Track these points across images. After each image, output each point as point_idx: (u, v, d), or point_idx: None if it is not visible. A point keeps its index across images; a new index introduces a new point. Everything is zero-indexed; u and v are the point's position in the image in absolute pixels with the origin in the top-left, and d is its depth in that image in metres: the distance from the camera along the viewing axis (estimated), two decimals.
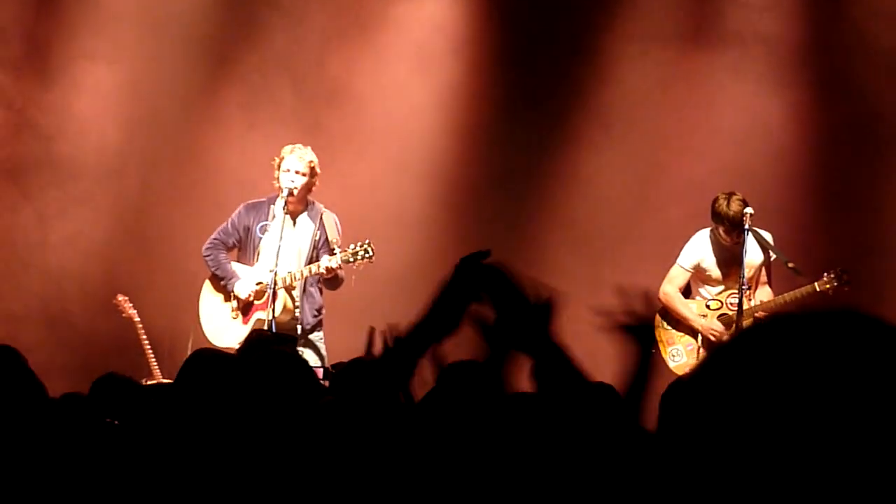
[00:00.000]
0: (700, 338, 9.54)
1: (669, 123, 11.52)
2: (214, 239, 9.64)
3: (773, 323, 1.37)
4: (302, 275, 9.37)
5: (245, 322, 9.48)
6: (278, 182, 9.49)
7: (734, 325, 9.33)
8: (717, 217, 9.26)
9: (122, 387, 5.08)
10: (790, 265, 9.35)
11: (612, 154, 11.46)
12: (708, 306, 9.59)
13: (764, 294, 9.49)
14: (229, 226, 9.63)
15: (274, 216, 9.49)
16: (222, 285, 9.59)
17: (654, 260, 10.10)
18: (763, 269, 9.50)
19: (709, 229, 9.45)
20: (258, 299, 9.46)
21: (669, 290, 9.59)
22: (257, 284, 9.43)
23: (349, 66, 11.55)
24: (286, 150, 9.56)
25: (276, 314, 9.35)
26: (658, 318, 9.65)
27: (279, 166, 9.49)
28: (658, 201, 11.35)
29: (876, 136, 11.24)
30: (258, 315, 9.47)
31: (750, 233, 9.24)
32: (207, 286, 9.71)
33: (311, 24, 11.51)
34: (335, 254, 9.33)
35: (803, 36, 11.46)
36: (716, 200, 9.28)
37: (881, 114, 11.20)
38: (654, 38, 11.47)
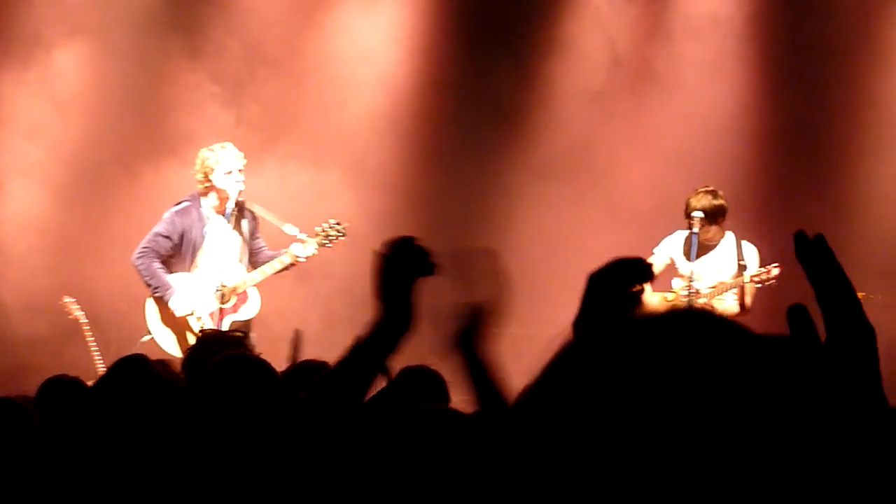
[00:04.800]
0: None
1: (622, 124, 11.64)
2: (144, 247, 9.38)
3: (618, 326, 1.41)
4: (273, 269, 9.33)
5: (218, 327, 9.22)
6: (210, 184, 9.35)
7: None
8: (686, 209, 9.42)
9: (70, 389, 5.08)
10: (741, 263, 9.49)
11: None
12: (665, 298, 9.71)
13: (726, 304, 9.54)
14: (161, 233, 9.38)
15: (208, 220, 9.41)
16: (156, 295, 9.37)
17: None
18: (746, 280, 9.53)
19: (695, 228, 9.48)
20: (224, 303, 9.37)
21: None
22: (218, 292, 9.35)
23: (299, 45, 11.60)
24: (217, 150, 9.40)
25: (253, 316, 9.38)
26: None
27: (212, 169, 9.31)
28: (606, 202, 11.46)
29: (833, 123, 11.39)
30: (231, 318, 9.39)
31: (735, 244, 9.51)
32: (152, 301, 9.49)
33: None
34: (304, 242, 9.30)
35: (756, 21, 11.58)
36: (689, 197, 9.45)
37: (837, 100, 11.36)
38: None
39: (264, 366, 4.23)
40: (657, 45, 11.74)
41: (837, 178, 11.35)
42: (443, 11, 11.78)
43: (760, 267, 9.43)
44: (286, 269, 9.45)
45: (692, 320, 1.36)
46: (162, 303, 9.42)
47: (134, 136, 11.24)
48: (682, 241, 9.56)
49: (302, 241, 9.33)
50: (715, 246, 9.60)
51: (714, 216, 9.41)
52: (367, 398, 3.52)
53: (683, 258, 9.52)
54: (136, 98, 11.29)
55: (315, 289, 11.01)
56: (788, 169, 11.43)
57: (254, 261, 9.48)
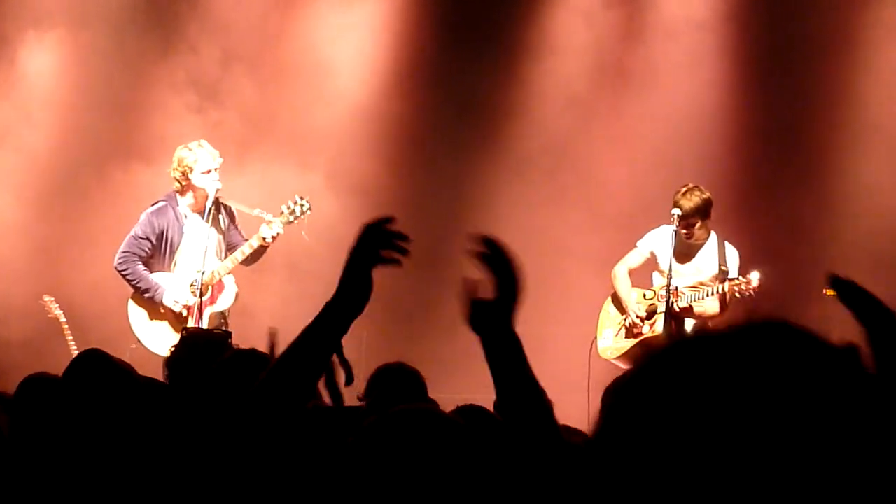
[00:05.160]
0: (627, 324, 9.68)
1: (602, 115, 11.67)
2: (125, 251, 9.39)
3: (704, 335, 1.44)
4: (244, 254, 9.33)
5: (198, 321, 9.26)
6: (188, 183, 9.35)
7: (657, 316, 9.48)
8: (673, 206, 9.38)
9: (49, 387, 5.07)
10: (722, 267, 9.48)
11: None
12: (644, 295, 9.71)
13: (706, 304, 9.50)
14: (141, 235, 9.39)
15: (185, 218, 9.41)
16: (146, 298, 9.38)
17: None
18: (717, 283, 9.50)
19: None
20: (202, 296, 9.31)
21: (619, 269, 9.75)
22: (195, 287, 9.32)
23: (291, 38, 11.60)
24: (195, 149, 9.39)
25: (230, 305, 9.38)
26: (608, 300, 9.89)
27: (191, 168, 9.30)
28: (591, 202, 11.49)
29: (811, 120, 11.44)
30: (210, 310, 9.39)
31: (717, 244, 9.50)
32: (134, 306, 9.48)
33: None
34: (270, 222, 9.29)
35: (734, 21, 11.62)
36: (677, 190, 9.43)
37: (815, 97, 11.41)
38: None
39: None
40: (636, 46, 11.76)
41: (817, 175, 11.38)
42: (422, 11, 11.79)
43: (739, 275, 9.39)
44: (258, 252, 9.42)
45: (777, 333, 1.39)
46: (145, 305, 9.43)
47: (108, 138, 11.26)
48: (667, 236, 9.46)
49: (268, 223, 9.32)
50: (701, 246, 9.57)
51: (706, 212, 9.38)
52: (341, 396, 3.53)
53: (666, 253, 9.44)
54: (111, 99, 11.30)
55: (302, 287, 11.00)
56: (768, 167, 11.46)
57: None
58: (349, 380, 4.62)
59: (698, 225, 9.43)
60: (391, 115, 11.69)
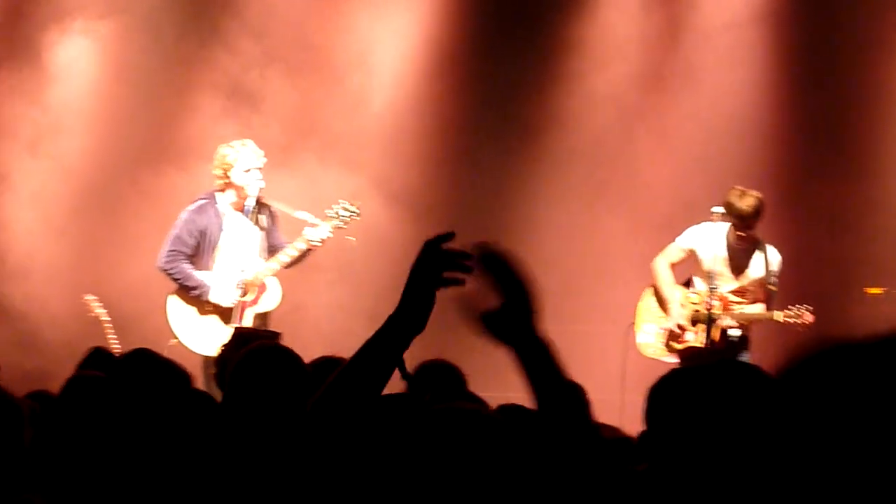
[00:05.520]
0: (668, 327, 9.59)
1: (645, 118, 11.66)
2: (170, 251, 9.38)
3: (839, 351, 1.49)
4: (290, 257, 9.34)
5: (240, 321, 9.31)
6: (228, 181, 9.36)
7: (701, 326, 9.34)
8: (728, 210, 9.17)
9: (97, 386, 5.10)
10: (771, 287, 9.36)
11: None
12: (689, 298, 9.59)
13: (753, 309, 9.43)
14: (184, 234, 9.38)
15: (225, 216, 9.40)
16: (194, 295, 9.38)
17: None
18: (763, 286, 9.43)
19: (728, 225, 9.30)
20: (245, 297, 9.38)
21: (660, 263, 9.59)
22: (239, 287, 9.38)
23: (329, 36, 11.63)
24: (237, 147, 9.40)
25: (275, 306, 9.40)
26: (649, 291, 9.74)
27: (231, 165, 9.32)
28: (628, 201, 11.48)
29: (855, 119, 11.40)
30: (253, 310, 9.41)
31: (764, 248, 9.34)
32: (177, 301, 9.49)
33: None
34: (316, 226, 9.29)
35: (776, 19, 11.58)
36: (728, 194, 9.20)
37: (858, 96, 11.36)
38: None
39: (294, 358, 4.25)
40: (677, 46, 11.74)
41: (859, 172, 11.32)
42: (463, 12, 11.79)
43: (793, 306, 9.21)
44: (303, 255, 9.43)
45: None
46: (190, 302, 9.45)
47: (143, 140, 11.31)
48: (710, 235, 9.31)
49: (314, 226, 9.32)
50: (745, 248, 9.41)
51: (759, 215, 9.19)
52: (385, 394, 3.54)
53: (709, 253, 9.32)
54: (146, 102, 11.33)
55: (348, 289, 11.04)
56: (810, 165, 11.41)
57: (273, 257, 9.49)
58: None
59: (755, 229, 9.27)
60: (432, 117, 11.71)
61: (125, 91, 11.35)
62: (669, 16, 11.72)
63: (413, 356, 6.23)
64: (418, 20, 11.76)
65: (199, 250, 9.42)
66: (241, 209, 9.40)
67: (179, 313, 9.47)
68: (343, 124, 11.56)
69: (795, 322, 9.14)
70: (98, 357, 6.26)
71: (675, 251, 9.60)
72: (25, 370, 9.64)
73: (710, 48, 11.59)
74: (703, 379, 2.77)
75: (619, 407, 8.91)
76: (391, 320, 2.95)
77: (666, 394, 2.81)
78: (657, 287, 9.63)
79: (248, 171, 9.35)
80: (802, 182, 11.35)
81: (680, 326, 9.48)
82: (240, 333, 6.57)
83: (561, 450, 2.64)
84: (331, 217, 9.38)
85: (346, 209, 9.39)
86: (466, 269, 2.87)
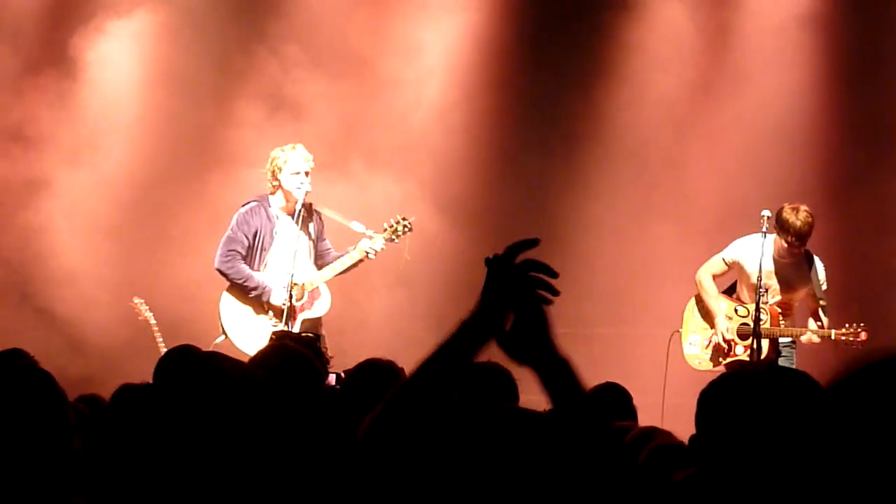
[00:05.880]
0: (715, 340, 9.54)
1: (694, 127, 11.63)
2: (230, 251, 9.45)
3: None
4: (344, 265, 9.42)
5: (291, 325, 9.36)
6: (278, 184, 9.44)
7: (751, 340, 9.25)
8: (782, 226, 9.10)
9: (146, 395, 5.12)
10: (821, 302, 9.29)
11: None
12: (736, 311, 9.52)
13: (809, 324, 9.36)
14: (239, 234, 9.47)
15: (277, 219, 9.48)
16: (254, 296, 9.45)
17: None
18: (811, 297, 9.39)
19: (775, 236, 9.23)
20: (297, 301, 9.43)
21: (703, 275, 9.56)
22: (293, 288, 9.42)
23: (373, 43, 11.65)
24: (287, 150, 9.47)
25: (325, 312, 9.45)
26: (693, 300, 9.71)
27: (280, 169, 9.40)
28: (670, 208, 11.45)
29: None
30: (304, 315, 9.47)
31: (811, 260, 9.27)
32: (230, 299, 9.54)
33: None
34: (372, 238, 9.35)
35: (823, 20, 11.52)
36: (781, 210, 9.11)
37: None
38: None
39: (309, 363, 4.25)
40: (724, 50, 11.69)
41: None
42: (508, 18, 11.78)
43: (849, 324, 9.15)
44: (356, 265, 9.51)
45: None
46: (246, 302, 9.51)
47: (188, 147, 11.35)
48: (758, 247, 9.21)
49: (370, 237, 9.38)
50: (793, 260, 9.35)
51: (811, 231, 9.11)
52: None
53: (755, 265, 9.21)
54: (195, 103, 11.36)
55: (402, 291, 11.08)
56: (860, 168, 11.34)
57: (321, 263, 9.57)
58: None
59: (806, 244, 9.21)
60: (479, 122, 11.71)
61: (168, 94, 11.41)
62: (718, 20, 11.68)
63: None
64: (465, 24, 11.76)
65: (250, 251, 9.49)
66: (291, 212, 9.45)
67: (233, 311, 9.54)
68: (389, 131, 11.58)
69: (851, 340, 9.08)
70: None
71: (718, 263, 9.56)
72: (74, 374, 9.70)
73: (759, 52, 11.54)
74: (754, 384, 2.76)
75: (662, 411, 8.90)
76: (466, 325, 2.76)
77: (717, 398, 2.80)
78: (702, 298, 9.58)
79: (296, 174, 9.41)
80: (851, 185, 11.30)
81: (727, 340, 9.43)
82: (280, 337, 6.58)
83: (581, 461, 2.62)
84: (385, 229, 9.44)
85: (400, 224, 9.45)
86: (553, 290, 2.72)
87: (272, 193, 9.53)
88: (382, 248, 9.42)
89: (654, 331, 10.37)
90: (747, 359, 9.28)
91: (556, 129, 11.73)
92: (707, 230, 10.54)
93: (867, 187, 11.16)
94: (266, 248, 9.48)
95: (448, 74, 11.71)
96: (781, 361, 9.25)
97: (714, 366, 9.49)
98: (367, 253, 9.39)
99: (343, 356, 5.51)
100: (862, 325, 9.12)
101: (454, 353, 2.78)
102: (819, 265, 9.36)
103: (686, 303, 9.77)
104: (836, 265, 9.58)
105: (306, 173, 9.43)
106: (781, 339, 9.35)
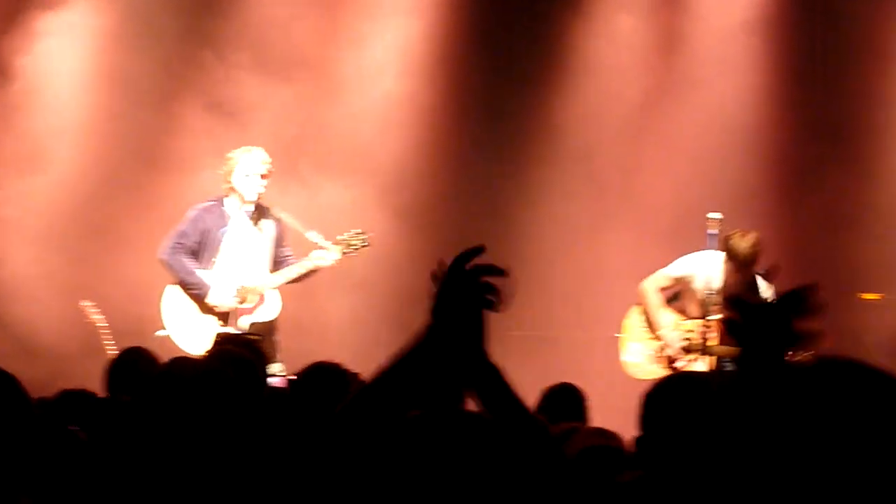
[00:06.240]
0: (659, 353, 9.57)
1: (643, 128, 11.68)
2: (177, 243, 9.44)
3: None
4: (296, 274, 9.37)
5: (234, 326, 9.35)
6: (230, 185, 9.44)
7: (695, 355, 9.28)
8: (729, 253, 9.11)
9: (87, 399, 5.11)
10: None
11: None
12: (681, 325, 9.52)
13: None
14: (188, 229, 9.45)
15: (230, 219, 9.45)
16: (192, 293, 9.44)
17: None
18: None
19: (721, 254, 9.20)
20: (242, 304, 9.41)
21: (649, 288, 9.56)
22: (237, 291, 9.40)
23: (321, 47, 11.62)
24: (240, 153, 9.47)
25: (272, 319, 9.40)
26: (634, 310, 9.72)
27: (233, 170, 9.41)
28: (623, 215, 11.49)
29: (854, 124, 11.41)
30: (245, 319, 9.42)
31: (756, 277, 9.16)
32: (173, 292, 9.53)
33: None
34: (326, 248, 9.32)
35: (774, 25, 11.59)
36: (730, 236, 9.11)
37: (857, 101, 11.38)
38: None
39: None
40: (679, 53, 11.74)
41: (860, 179, 11.33)
42: (461, 22, 11.78)
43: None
44: (307, 275, 9.47)
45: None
46: (183, 300, 9.48)
47: (142, 147, 11.28)
48: (708, 263, 9.21)
49: (325, 248, 9.36)
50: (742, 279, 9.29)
51: (759, 257, 9.10)
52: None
53: (704, 281, 9.22)
54: (143, 106, 11.29)
55: (353, 296, 11.08)
56: (812, 171, 11.41)
57: (278, 269, 9.51)
58: None
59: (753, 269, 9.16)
60: (431, 127, 11.70)
61: (111, 96, 11.30)
62: (668, 25, 11.72)
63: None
64: (416, 27, 11.73)
65: (201, 249, 9.46)
66: (248, 214, 9.46)
67: (175, 307, 9.52)
68: (339, 135, 11.54)
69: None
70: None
71: (664, 278, 9.56)
72: (25, 379, 9.61)
73: (709, 56, 11.59)
74: (698, 385, 2.78)
75: (615, 413, 8.92)
76: (424, 340, 2.68)
77: (661, 399, 2.82)
78: (647, 309, 9.61)
79: (247, 176, 9.38)
80: (802, 186, 11.36)
81: (669, 349, 9.45)
82: (223, 339, 6.57)
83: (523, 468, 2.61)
84: (341, 242, 9.40)
85: (358, 238, 9.42)
86: (500, 291, 2.64)
87: (227, 195, 9.51)
88: (336, 261, 9.40)
89: (607, 334, 10.41)
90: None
91: (509, 133, 11.74)
92: (659, 234, 10.58)
93: (819, 190, 11.23)
94: (215, 248, 9.43)
95: (398, 77, 11.67)
96: None
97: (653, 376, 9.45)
98: (320, 264, 9.36)
99: (301, 359, 5.51)
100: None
101: (407, 369, 2.74)
102: (764, 285, 9.38)
103: (624, 314, 9.77)
104: (788, 265, 9.63)
105: (261, 175, 9.42)
106: (725, 363, 9.36)
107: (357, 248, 9.42)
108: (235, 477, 3.61)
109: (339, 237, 9.43)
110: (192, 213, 9.52)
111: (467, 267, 2.63)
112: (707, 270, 9.23)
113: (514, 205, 11.69)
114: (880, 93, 11.39)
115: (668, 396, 2.80)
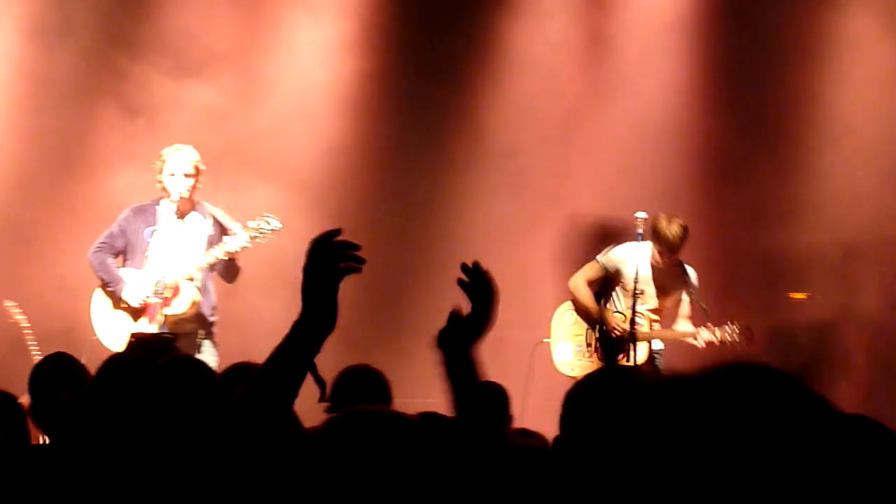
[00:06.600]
0: (594, 339, 9.61)
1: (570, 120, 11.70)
2: (102, 243, 9.44)
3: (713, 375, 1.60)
4: (207, 263, 9.29)
5: (151, 322, 9.27)
6: (162, 185, 9.39)
7: (627, 344, 9.29)
8: (655, 237, 9.24)
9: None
10: (703, 306, 9.41)
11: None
12: (613, 315, 9.53)
13: (680, 327, 9.49)
14: (116, 230, 9.45)
15: (161, 218, 9.38)
16: (108, 290, 9.41)
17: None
18: (683, 302, 9.50)
19: (647, 244, 9.33)
20: (158, 298, 9.35)
21: (579, 281, 9.60)
22: (154, 286, 9.33)
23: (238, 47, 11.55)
24: (168, 151, 9.43)
25: (184, 310, 9.33)
26: (562, 308, 9.75)
27: (161, 170, 9.38)
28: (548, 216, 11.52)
29: (781, 123, 11.51)
30: (166, 311, 9.28)
31: (681, 265, 9.37)
32: (99, 293, 9.51)
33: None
34: (236, 234, 9.25)
35: (700, 24, 11.66)
36: (657, 219, 9.24)
37: (783, 100, 11.47)
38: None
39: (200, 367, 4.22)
40: (605, 50, 11.79)
41: (786, 177, 11.42)
42: (384, 20, 11.75)
43: (731, 323, 9.26)
44: (229, 266, 9.39)
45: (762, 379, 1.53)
46: (108, 300, 9.44)
47: (60, 149, 11.18)
48: (635, 254, 9.32)
49: (233, 234, 9.32)
50: (671, 269, 9.44)
51: (685, 241, 9.24)
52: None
53: (632, 273, 9.29)
54: (60, 107, 11.18)
55: (286, 294, 11.02)
56: (736, 169, 11.50)
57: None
58: (323, 395, 4.59)
59: (679, 254, 9.32)
60: (356, 131, 11.68)
61: (32, 96, 11.18)
62: (599, 23, 11.76)
63: (337, 361, 6.26)
64: (341, 29, 11.68)
65: (131, 249, 9.44)
66: (181, 213, 9.41)
67: (99, 307, 9.50)
68: (261, 138, 11.47)
69: (733, 340, 9.21)
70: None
71: (594, 268, 9.63)
72: None
73: (640, 54, 11.65)
74: (616, 383, 2.78)
75: (536, 413, 8.97)
76: (297, 324, 2.92)
77: (578, 398, 2.82)
78: (576, 300, 9.65)
79: (172, 175, 9.34)
80: (731, 183, 11.44)
81: (616, 328, 9.47)
82: (138, 339, 6.52)
83: (473, 458, 2.65)
84: (251, 228, 9.34)
85: (267, 221, 9.35)
86: (358, 258, 2.91)
87: (163, 195, 9.47)
88: (247, 246, 9.29)
89: (534, 334, 10.44)
90: (626, 363, 9.35)
91: (434, 134, 11.71)
92: (585, 234, 10.60)
93: (747, 184, 11.32)
94: (145, 247, 9.38)
95: (323, 79, 11.64)
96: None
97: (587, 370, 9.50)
98: (228, 250, 9.26)
99: (238, 357, 5.50)
100: (745, 326, 9.25)
101: (294, 349, 2.91)
102: (691, 272, 9.48)
103: (552, 315, 9.81)
104: (716, 262, 9.71)
105: (185, 175, 9.35)
106: (654, 346, 9.47)
107: (266, 234, 9.33)
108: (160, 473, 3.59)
109: (249, 223, 9.37)
110: (123, 213, 9.52)
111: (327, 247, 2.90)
112: (635, 260, 9.30)
113: (437, 205, 11.69)
114: (809, 90, 11.48)
115: (585, 396, 2.80)
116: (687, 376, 1.60)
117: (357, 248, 2.90)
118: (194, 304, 9.37)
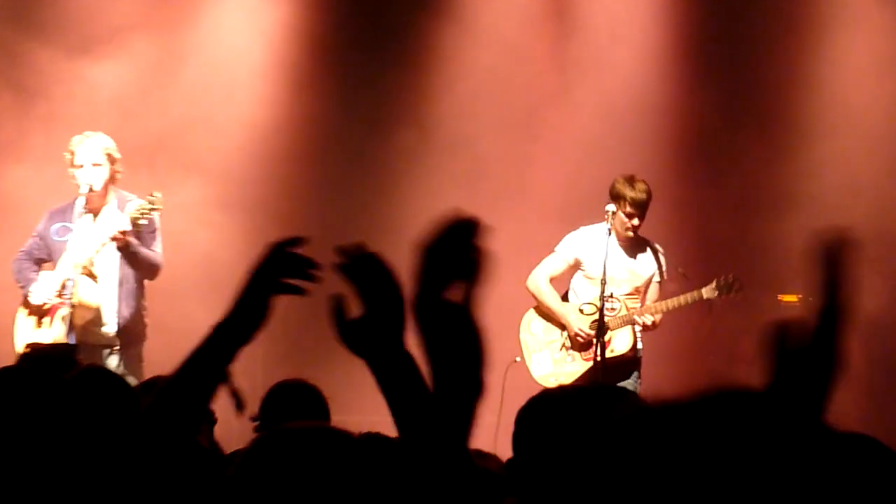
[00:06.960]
0: (568, 344, 9.64)
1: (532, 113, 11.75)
2: (21, 251, 9.60)
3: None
4: (95, 252, 9.26)
5: (51, 324, 9.35)
6: (75, 179, 9.37)
7: (605, 331, 9.29)
8: (617, 198, 9.28)
9: None
10: (679, 270, 9.50)
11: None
12: (582, 310, 9.58)
13: (675, 298, 9.53)
14: (34, 239, 9.57)
15: (76, 216, 9.37)
16: (23, 295, 9.51)
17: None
18: (655, 283, 9.60)
19: (606, 224, 9.37)
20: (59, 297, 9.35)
21: (541, 280, 9.64)
22: (59, 285, 9.32)
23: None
24: (75, 141, 9.40)
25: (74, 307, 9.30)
26: (527, 317, 9.76)
27: (72, 162, 9.37)
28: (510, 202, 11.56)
29: (761, 108, 11.59)
30: (61, 313, 9.32)
31: (648, 245, 9.51)
32: (22, 313, 9.60)
33: None
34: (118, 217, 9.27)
35: (677, 6, 11.74)
36: (614, 183, 9.30)
37: (766, 84, 11.55)
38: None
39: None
40: (577, 31, 11.83)
41: (760, 166, 11.50)
42: (324, 16, 11.77)
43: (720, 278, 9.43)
44: (125, 255, 9.37)
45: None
46: (30, 317, 9.51)
47: None
48: (596, 238, 9.41)
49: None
50: (630, 246, 9.54)
51: (647, 208, 9.34)
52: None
53: (596, 259, 9.36)
54: None
55: (216, 296, 11.01)
56: (724, 159, 11.57)
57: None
58: (240, 407, 4.63)
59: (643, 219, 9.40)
60: (296, 124, 11.68)
61: None
62: (562, 3, 11.81)
63: (269, 375, 6.29)
64: (279, 16, 11.69)
65: (51, 252, 9.52)
66: (94, 210, 9.43)
67: (22, 322, 9.59)
68: (192, 131, 11.45)
69: (728, 293, 9.32)
70: None
71: (556, 262, 9.68)
72: None
73: (608, 23, 11.69)
74: (572, 402, 2.81)
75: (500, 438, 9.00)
76: (218, 327, 2.92)
77: (534, 418, 2.85)
78: (545, 307, 9.69)
79: (80, 167, 9.31)
80: (713, 173, 11.52)
81: (586, 336, 9.51)
82: (33, 350, 6.50)
83: (423, 480, 2.66)
84: (131, 209, 9.27)
85: (148, 201, 9.26)
86: (310, 277, 2.87)
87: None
88: (127, 228, 9.19)
89: (503, 346, 10.47)
90: (610, 354, 9.36)
91: (379, 117, 11.72)
92: (553, 221, 10.64)
93: (730, 174, 11.41)
94: (62, 248, 9.39)
95: (248, 55, 11.63)
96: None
97: (581, 372, 9.53)
98: (110, 234, 9.21)
99: (169, 362, 5.51)
100: (732, 277, 9.38)
101: (207, 356, 2.92)
102: (657, 247, 9.60)
103: (520, 320, 9.82)
104: (696, 259, 9.78)
105: (94, 164, 9.34)
106: (637, 327, 9.50)
107: (146, 213, 9.26)
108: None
109: (129, 204, 9.29)
110: (42, 218, 9.62)
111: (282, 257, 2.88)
112: (596, 245, 9.38)
113: (387, 198, 11.70)
114: (800, 64, 11.55)
115: (535, 417, 2.83)
116: (658, 405, 1.66)
117: (316, 266, 2.86)
118: (84, 304, 9.31)
